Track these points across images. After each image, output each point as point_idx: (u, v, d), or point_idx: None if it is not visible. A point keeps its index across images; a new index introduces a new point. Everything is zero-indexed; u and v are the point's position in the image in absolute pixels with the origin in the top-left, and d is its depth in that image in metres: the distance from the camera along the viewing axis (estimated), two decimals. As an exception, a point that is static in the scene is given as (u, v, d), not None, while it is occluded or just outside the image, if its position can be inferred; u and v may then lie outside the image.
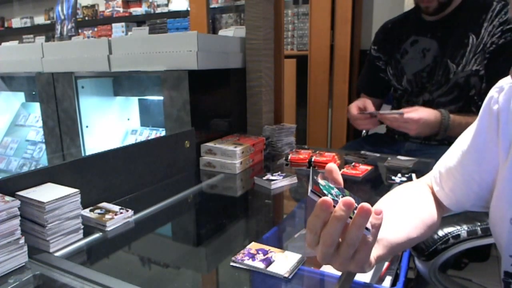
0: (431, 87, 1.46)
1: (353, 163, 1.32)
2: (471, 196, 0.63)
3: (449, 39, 1.40)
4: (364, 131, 1.97)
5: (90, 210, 0.93)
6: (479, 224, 1.03)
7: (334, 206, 0.47)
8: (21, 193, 0.79)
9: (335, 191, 0.52)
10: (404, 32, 1.54)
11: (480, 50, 1.34)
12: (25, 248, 0.73)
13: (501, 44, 1.30)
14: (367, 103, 1.46)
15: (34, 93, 2.19)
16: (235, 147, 1.32)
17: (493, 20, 1.32)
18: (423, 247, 1.05)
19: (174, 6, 3.77)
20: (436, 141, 1.50)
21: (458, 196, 0.65)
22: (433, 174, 0.70)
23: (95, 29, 4.24)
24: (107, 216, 0.90)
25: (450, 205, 0.67)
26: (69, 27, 2.15)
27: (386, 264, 0.71)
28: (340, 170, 1.39)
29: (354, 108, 1.47)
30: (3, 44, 2.29)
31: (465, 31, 1.37)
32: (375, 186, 1.21)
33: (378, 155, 1.45)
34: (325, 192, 0.49)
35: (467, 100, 1.42)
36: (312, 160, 1.34)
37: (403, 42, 1.53)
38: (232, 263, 0.72)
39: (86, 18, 4.36)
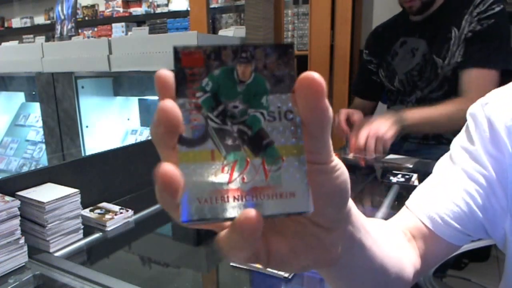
0: (421, 85, 1.48)
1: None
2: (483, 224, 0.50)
3: (436, 36, 1.43)
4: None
5: (90, 210, 0.93)
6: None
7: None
8: (21, 193, 0.79)
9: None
10: (394, 34, 1.57)
11: (462, 41, 1.36)
12: (25, 248, 0.73)
13: (477, 31, 1.33)
14: (355, 114, 1.46)
15: (34, 93, 2.19)
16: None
17: (472, 11, 1.35)
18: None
19: (174, 6, 3.76)
20: (434, 140, 1.50)
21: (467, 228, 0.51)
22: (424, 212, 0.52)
23: (95, 29, 4.24)
24: (107, 216, 0.90)
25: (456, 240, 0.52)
26: (69, 27, 2.15)
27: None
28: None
29: (343, 116, 1.47)
30: (3, 44, 2.29)
31: (449, 26, 1.40)
32: (375, 186, 1.21)
33: (378, 155, 1.45)
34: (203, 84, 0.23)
35: (458, 93, 1.43)
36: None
37: (392, 44, 1.56)
38: (232, 263, 0.72)
39: (86, 18, 4.35)
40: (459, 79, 1.36)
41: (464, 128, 0.56)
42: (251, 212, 0.22)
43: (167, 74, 0.22)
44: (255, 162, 0.23)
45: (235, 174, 0.23)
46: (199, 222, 0.22)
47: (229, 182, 0.23)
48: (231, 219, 0.22)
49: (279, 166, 0.23)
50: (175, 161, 0.23)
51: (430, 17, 1.44)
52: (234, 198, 0.23)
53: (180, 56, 0.23)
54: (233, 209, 0.22)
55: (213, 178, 0.23)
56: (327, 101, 0.23)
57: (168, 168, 0.22)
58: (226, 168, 0.23)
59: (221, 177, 0.23)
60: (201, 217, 0.22)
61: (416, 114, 1.34)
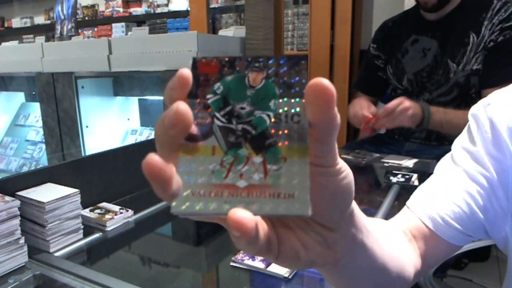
0: (431, 87, 1.46)
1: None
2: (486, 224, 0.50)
3: (449, 39, 1.40)
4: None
5: (90, 210, 0.93)
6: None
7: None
8: (21, 193, 0.79)
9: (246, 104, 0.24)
10: (405, 31, 1.53)
11: (481, 49, 1.34)
12: (25, 248, 0.73)
13: (499, 42, 1.31)
14: (371, 107, 1.44)
15: (34, 93, 2.19)
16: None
17: (493, 18, 1.32)
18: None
19: (174, 6, 3.76)
20: (436, 141, 1.50)
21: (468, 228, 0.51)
22: (425, 212, 0.52)
23: (95, 29, 4.24)
24: (107, 216, 0.90)
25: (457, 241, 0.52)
26: (69, 27, 2.15)
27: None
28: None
29: (366, 110, 1.42)
30: (3, 44, 2.29)
31: (465, 30, 1.37)
32: (374, 186, 1.21)
33: (378, 155, 1.45)
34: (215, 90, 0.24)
35: (466, 99, 1.42)
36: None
37: (403, 41, 1.53)
38: (232, 263, 0.72)
39: (86, 18, 4.35)
40: (482, 96, 1.35)
41: (466, 129, 0.56)
42: (239, 211, 0.21)
43: (189, 75, 0.23)
44: (256, 160, 0.23)
45: (233, 170, 0.23)
46: (189, 215, 0.22)
47: (226, 177, 0.23)
48: (222, 214, 0.22)
49: (280, 166, 0.23)
50: (177, 161, 0.23)
51: (444, 17, 1.41)
52: (229, 193, 0.22)
53: (197, 65, 0.24)
54: (225, 205, 0.22)
55: (210, 172, 0.23)
56: (336, 108, 0.23)
57: (154, 159, 0.22)
58: (225, 164, 0.23)
59: (218, 172, 0.23)
60: (191, 210, 0.22)
61: (440, 116, 1.34)
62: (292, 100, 0.24)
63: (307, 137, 0.23)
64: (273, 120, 0.24)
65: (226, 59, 0.24)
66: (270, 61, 0.24)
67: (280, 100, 0.24)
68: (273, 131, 0.23)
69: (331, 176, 0.25)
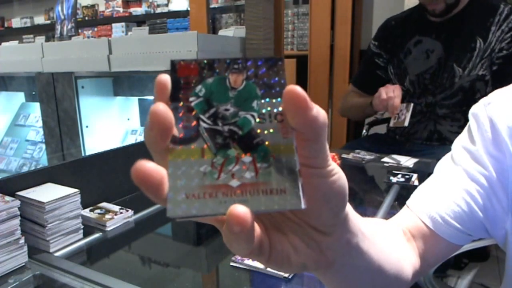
0: (434, 90, 1.45)
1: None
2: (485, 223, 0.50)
3: (454, 41, 1.40)
4: (364, 131, 1.97)
5: (90, 210, 0.93)
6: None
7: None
8: (21, 193, 0.79)
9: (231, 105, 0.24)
10: (408, 31, 1.52)
11: (487, 55, 1.33)
12: (25, 248, 0.73)
13: (510, 53, 1.30)
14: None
15: (34, 93, 2.19)
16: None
17: (502, 24, 1.31)
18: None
19: (174, 6, 3.76)
20: (438, 141, 1.50)
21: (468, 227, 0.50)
22: (425, 211, 0.51)
23: (95, 29, 4.24)
24: (107, 216, 0.90)
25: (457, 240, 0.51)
26: (69, 27, 2.15)
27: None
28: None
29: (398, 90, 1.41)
30: (3, 44, 2.29)
31: (472, 34, 1.36)
32: (374, 186, 1.21)
33: (378, 155, 1.45)
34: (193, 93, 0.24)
35: (470, 104, 1.42)
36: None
37: (406, 41, 1.52)
38: (232, 263, 0.72)
39: (86, 18, 4.35)
40: None
41: (466, 128, 0.56)
42: (239, 207, 0.22)
43: (168, 79, 0.23)
44: (246, 160, 0.24)
45: (225, 171, 0.23)
46: (186, 218, 0.23)
47: (218, 178, 0.23)
48: (219, 214, 0.22)
49: (269, 164, 0.24)
50: (167, 165, 0.23)
51: (449, 19, 1.40)
52: (223, 193, 0.23)
53: (176, 67, 0.24)
54: (221, 205, 0.23)
55: (202, 174, 0.23)
56: (314, 111, 0.23)
57: (141, 164, 0.22)
58: (215, 165, 0.23)
59: (210, 173, 0.23)
60: (188, 212, 0.22)
61: None
62: (274, 100, 0.24)
63: (292, 134, 0.24)
64: (258, 120, 0.24)
65: (205, 61, 0.24)
66: (249, 63, 0.25)
67: (262, 101, 0.24)
68: (259, 130, 0.24)
69: (323, 178, 0.25)
